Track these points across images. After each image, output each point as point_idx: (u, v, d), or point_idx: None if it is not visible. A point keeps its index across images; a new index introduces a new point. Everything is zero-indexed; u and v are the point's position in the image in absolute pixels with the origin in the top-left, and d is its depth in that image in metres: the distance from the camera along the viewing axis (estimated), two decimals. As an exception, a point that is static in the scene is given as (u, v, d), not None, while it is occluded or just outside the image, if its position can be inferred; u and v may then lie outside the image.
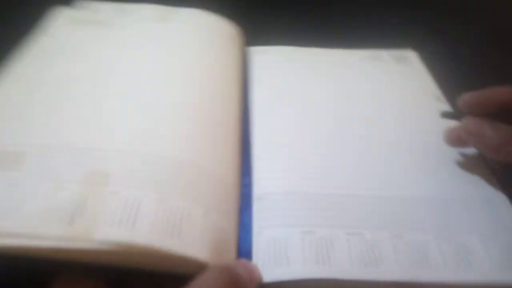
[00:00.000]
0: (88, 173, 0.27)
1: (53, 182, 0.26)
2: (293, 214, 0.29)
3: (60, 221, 0.24)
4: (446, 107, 0.38)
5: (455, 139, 0.33)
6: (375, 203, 0.30)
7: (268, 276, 0.25)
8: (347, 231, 0.27)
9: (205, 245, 0.25)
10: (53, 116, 0.31)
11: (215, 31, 0.43)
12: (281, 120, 0.36)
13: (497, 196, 0.31)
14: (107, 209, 0.25)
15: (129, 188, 0.26)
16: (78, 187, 0.26)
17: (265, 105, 0.38)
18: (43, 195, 0.25)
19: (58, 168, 0.27)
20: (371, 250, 0.26)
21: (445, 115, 0.33)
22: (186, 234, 0.25)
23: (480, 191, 0.31)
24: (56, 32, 0.40)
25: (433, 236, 0.28)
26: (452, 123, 0.33)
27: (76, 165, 0.27)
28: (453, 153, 0.34)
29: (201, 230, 0.26)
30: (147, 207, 0.25)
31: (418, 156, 0.34)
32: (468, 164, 0.33)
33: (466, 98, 0.31)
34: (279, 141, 0.34)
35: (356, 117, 0.37)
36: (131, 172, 0.27)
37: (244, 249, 0.27)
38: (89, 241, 0.23)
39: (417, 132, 0.36)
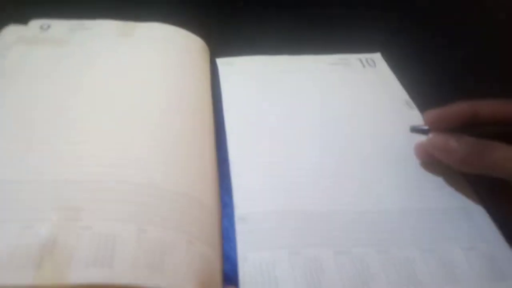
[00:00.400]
0: (57, 209, 0.25)
1: (20, 222, 0.24)
2: (278, 235, 0.28)
3: (27, 266, 0.22)
4: (416, 113, 0.39)
5: (423, 154, 0.33)
6: (358, 218, 0.29)
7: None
8: (335, 249, 0.27)
9: (190, 278, 0.24)
10: (15, 147, 0.29)
11: (179, 44, 0.41)
12: (256, 136, 0.35)
13: (474, 206, 0.31)
14: (79, 247, 0.23)
15: (103, 221, 0.25)
16: (46, 225, 0.24)
17: (238, 120, 0.36)
18: (8, 237, 0.23)
19: (25, 206, 0.25)
20: (360, 269, 0.26)
21: (414, 130, 0.34)
22: (170, 268, 0.24)
23: (458, 201, 0.31)
24: (10, 54, 0.37)
25: (418, 250, 0.28)
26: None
27: (44, 200, 0.25)
28: (429, 163, 0.34)
29: (186, 261, 0.24)
30: (124, 241, 0.24)
31: (396, 168, 0.33)
32: (445, 174, 0.33)
33: (430, 115, 0.32)
34: (256, 158, 0.33)
35: (330, 130, 0.36)
36: (104, 204, 0.26)
37: (230, 275, 0.26)
38: (61, 286, 0.22)
39: (393, 142, 0.35)
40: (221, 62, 0.43)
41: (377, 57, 0.46)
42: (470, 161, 0.29)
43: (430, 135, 0.32)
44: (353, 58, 0.45)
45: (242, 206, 0.30)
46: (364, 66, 0.44)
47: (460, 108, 0.31)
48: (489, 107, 0.31)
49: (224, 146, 0.35)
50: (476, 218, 0.30)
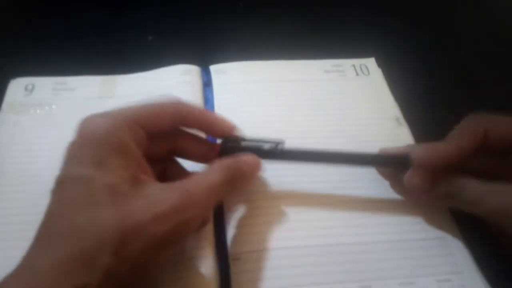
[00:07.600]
0: None
1: None
2: (271, 276, 0.30)
3: None
4: (405, 131, 0.40)
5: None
6: (341, 251, 0.31)
7: None
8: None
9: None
10: None
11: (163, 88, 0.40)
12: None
13: (452, 236, 0.33)
14: None
15: None
16: None
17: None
18: None
19: None
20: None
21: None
22: None
23: (437, 231, 0.33)
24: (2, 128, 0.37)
25: (398, 284, 0.30)
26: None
27: None
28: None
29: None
30: None
31: (382, 196, 0.35)
32: (424, 203, 0.34)
33: (445, 152, 0.29)
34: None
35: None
36: None
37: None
38: None
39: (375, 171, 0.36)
40: (214, 69, 0.43)
41: (371, 62, 0.46)
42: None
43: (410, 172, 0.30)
44: (347, 64, 0.45)
45: (235, 244, 0.31)
46: (357, 74, 0.44)
47: (474, 131, 0.28)
48: (498, 127, 0.28)
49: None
50: (453, 248, 0.32)
